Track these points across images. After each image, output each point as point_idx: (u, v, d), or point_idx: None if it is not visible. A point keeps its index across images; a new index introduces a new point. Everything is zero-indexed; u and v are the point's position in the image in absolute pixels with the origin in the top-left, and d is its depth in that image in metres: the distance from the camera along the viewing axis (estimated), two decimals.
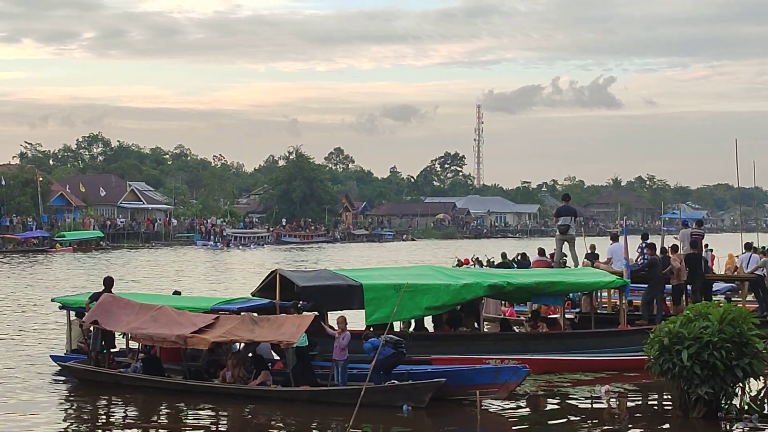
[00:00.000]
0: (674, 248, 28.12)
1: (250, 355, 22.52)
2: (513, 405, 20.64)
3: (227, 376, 21.40)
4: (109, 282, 24.44)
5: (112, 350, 23.75)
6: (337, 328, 21.47)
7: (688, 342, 17.94)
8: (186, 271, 69.03)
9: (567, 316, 28.41)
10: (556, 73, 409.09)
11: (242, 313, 22.24)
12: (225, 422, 20.03)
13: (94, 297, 23.56)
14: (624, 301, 27.22)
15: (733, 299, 29.95)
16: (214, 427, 19.65)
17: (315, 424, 19.46)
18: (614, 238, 30.13)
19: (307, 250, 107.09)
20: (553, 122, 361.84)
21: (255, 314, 22.30)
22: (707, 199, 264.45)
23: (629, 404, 20.61)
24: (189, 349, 22.31)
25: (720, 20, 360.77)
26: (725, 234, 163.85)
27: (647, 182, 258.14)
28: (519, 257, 34.72)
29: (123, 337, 23.70)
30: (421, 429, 19.23)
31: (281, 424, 19.66)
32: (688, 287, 27.72)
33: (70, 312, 25.25)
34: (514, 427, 19.21)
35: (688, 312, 18.91)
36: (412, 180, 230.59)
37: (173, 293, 28.64)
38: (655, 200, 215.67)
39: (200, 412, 20.36)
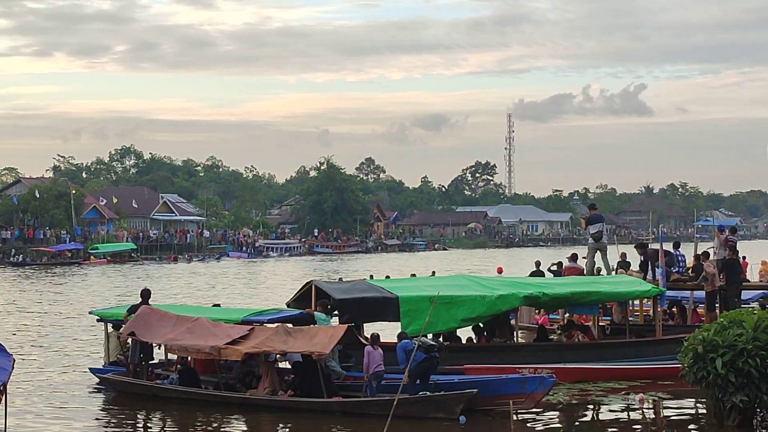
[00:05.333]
0: (705, 255, 28.03)
1: (287, 364, 22.69)
2: (547, 414, 20.70)
3: (260, 386, 21.59)
4: (146, 294, 24.64)
5: (150, 362, 23.99)
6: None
7: (722, 350, 17.93)
8: (219, 281, 69.38)
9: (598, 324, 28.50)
10: (586, 80, 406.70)
11: (276, 324, 22.40)
12: None
13: (132, 309, 23.83)
14: (659, 310, 27.20)
15: (766, 306, 29.82)
16: None
17: None
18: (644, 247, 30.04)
19: (340, 261, 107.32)
20: (584, 130, 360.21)
21: (290, 325, 22.51)
22: (740, 205, 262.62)
23: (664, 412, 20.62)
24: (224, 360, 22.52)
25: (751, 26, 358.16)
26: (759, 241, 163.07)
27: (680, 189, 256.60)
28: (554, 267, 34.70)
29: (159, 349, 23.91)
30: None
31: None
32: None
33: (108, 324, 25.52)
34: None
35: (722, 319, 18.94)
36: (444, 189, 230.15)
37: (213, 305, 28.86)
38: (687, 207, 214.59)
39: (234, 423, 20.54)
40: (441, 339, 26.00)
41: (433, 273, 40.73)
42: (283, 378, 22.13)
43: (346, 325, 21.87)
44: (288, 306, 26.17)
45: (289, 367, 22.65)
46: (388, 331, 25.62)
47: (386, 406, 18.78)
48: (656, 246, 28.37)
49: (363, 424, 19.64)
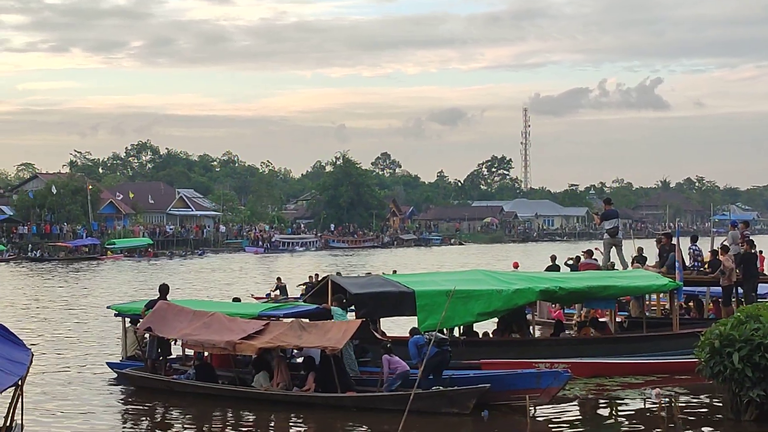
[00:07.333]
0: (724, 248, 27.96)
1: (300, 359, 22.73)
2: (563, 409, 20.66)
3: (273, 381, 21.62)
4: (164, 289, 24.70)
5: (168, 357, 24.05)
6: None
7: (739, 344, 17.91)
8: (236, 276, 69.48)
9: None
10: (602, 75, 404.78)
11: (291, 319, 22.43)
12: (272, 429, 20.26)
13: (150, 305, 23.89)
14: (676, 304, 27.15)
15: None
16: None
17: (362, 430, 19.50)
18: (660, 242, 29.94)
19: (356, 255, 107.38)
20: (600, 124, 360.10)
21: (306, 320, 22.54)
22: (757, 200, 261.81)
23: (680, 407, 20.60)
24: (240, 355, 22.57)
25: None
26: None
27: (696, 184, 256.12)
28: (571, 261, 34.66)
29: (176, 344, 23.97)
30: None
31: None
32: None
33: (126, 319, 25.60)
34: None
35: (738, 314, 18.91)
36: (460, 184, 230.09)
37: (233, 300, 29.00)
38: (704, 202, 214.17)
39: (249, 418, 20.55)
40: (458, 333, 26.05)
41: (394, 272, 40.62)
42: (298, 373, 22.14)
43: (360, 320, 21.87)
44: (305, 302, 26.24)
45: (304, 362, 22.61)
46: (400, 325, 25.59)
47: (400, 401, 18.80)
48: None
49: (378, 418, 19.62)
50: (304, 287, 42.48)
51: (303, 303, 26.24)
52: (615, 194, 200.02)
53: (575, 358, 23.83)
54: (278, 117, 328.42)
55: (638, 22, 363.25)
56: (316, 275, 44.86)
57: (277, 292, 42.69)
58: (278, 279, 45.16)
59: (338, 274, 38.30)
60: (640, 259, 31.78)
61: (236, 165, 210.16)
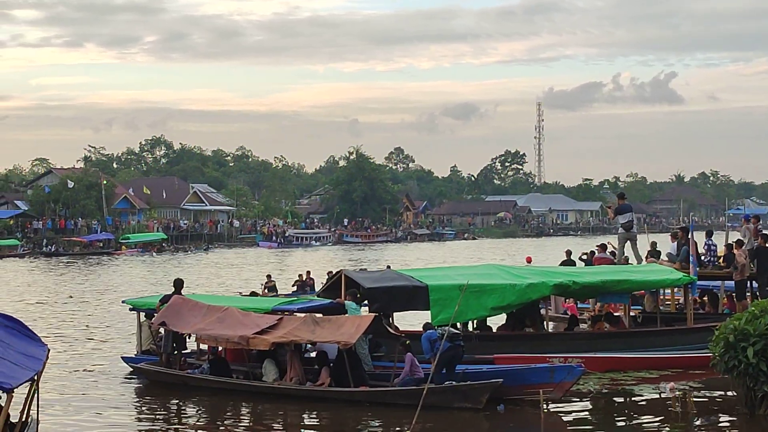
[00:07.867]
0: (739, 243, 27.90)
1: (314, 354, 22.77)
2: (578, 403, 20.67)
3: (286, 376, 21.67)
4: (179, 284, 24.77)
5: (183, 351, 24.10)
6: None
7: (753, 339, 17.88)
8: (250, 270, 69.55)
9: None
10: (616, 69, 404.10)
11: (304, 314, 22.47)
12: (285, 423, 20.30)
13: (165, 299, 23.96)
14: (690, 299, 27.11)
15: None
16: (276, 427, 19.94)
17: (375, 425, 19.55)
18: (675, 236, 29.93)
19: (369, 250, 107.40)
20: (614, 119, 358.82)
21: (320, 314, 22.56)
22: None
23: (695, 402, 20.56)
24: (254, 350, 22.61)
25: None
26: None
27: (711, 178, 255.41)
28: (585, 256, 34.62)
29: (191, 338, 24.03)
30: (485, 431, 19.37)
31: (341, 426, 19.84)
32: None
33: (141, 314, 25.67)
34: (578, 427, 19.19)
35: (753, 308, 18.87)
36: (473, 179, 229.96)
37: (250, 294, 29.03)
38: (719, 196, 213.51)
39: (263, 412, 20.61)
40: (471, 328, 26.04)
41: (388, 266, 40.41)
42: (312, 368, 22.18)
43: (374, 315, 21.89)
44: (318, 296, 26.27)
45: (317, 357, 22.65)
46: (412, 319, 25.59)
47: (413, 396, 18.81)
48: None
49: (391, 413, 19.64)
50: (296, 285, 42.95)
51: (317, 298, 26.27)
52: (629, 189, 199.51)
53: (589, 352, 23.81)
54: (291, 112, 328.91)
55: (652, 16, 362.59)
56: (308, 272, 45.14)
57: (266, 290, 42.63)
58: (268, 276, 45.03)
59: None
60: (654, 253, 31.72)
61: (250, 160, 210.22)
